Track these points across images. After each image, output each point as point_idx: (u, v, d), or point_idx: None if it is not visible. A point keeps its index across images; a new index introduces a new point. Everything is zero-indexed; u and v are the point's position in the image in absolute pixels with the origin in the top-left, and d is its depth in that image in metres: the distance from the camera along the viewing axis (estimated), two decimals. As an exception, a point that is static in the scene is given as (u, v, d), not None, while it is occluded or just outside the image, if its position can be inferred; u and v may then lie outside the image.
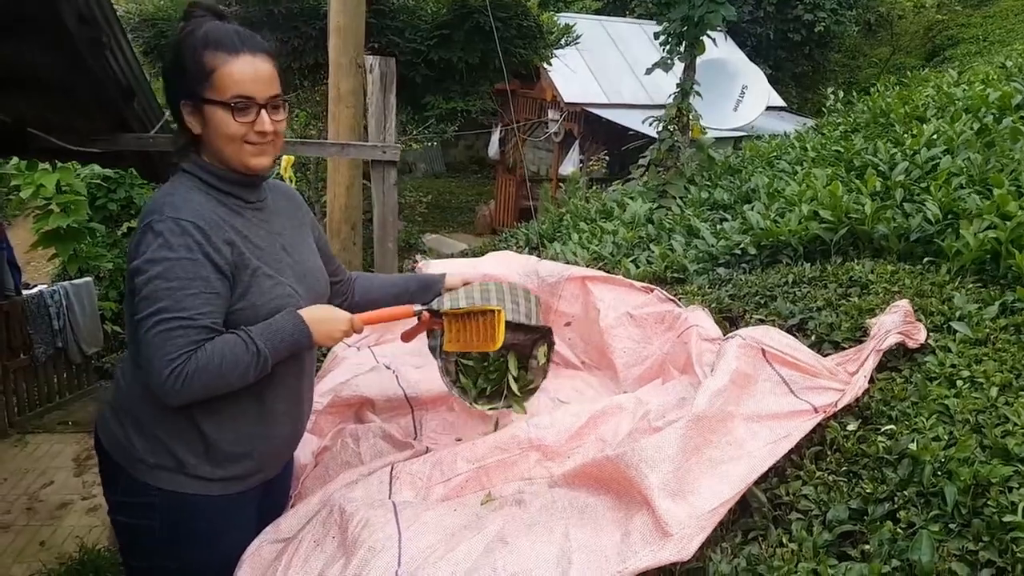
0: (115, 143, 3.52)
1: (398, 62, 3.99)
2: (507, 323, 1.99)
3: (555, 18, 8.85)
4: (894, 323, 2.06)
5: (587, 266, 3.47)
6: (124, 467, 1.67)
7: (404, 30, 7.82)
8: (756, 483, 1.67)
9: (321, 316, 1.69)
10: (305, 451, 2.29)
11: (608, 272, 3.39)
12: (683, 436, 1.65)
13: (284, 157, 2.30)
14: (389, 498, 1.86)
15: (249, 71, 1.56)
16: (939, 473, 1.56)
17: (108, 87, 3.18)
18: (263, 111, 1.59)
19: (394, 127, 3.37)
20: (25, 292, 6.74)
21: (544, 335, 2.27)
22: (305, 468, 2.29)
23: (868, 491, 1.59)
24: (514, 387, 2.23)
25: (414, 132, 9.89)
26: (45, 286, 7.00)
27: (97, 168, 7.82)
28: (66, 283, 7.11)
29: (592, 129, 14.04)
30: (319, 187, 9.22)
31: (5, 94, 3.29)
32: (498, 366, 2.28)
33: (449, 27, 7.78)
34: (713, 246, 3.43)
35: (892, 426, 1.75)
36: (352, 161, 4.88)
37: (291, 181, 2.37)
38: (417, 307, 2.02)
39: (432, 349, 2.25)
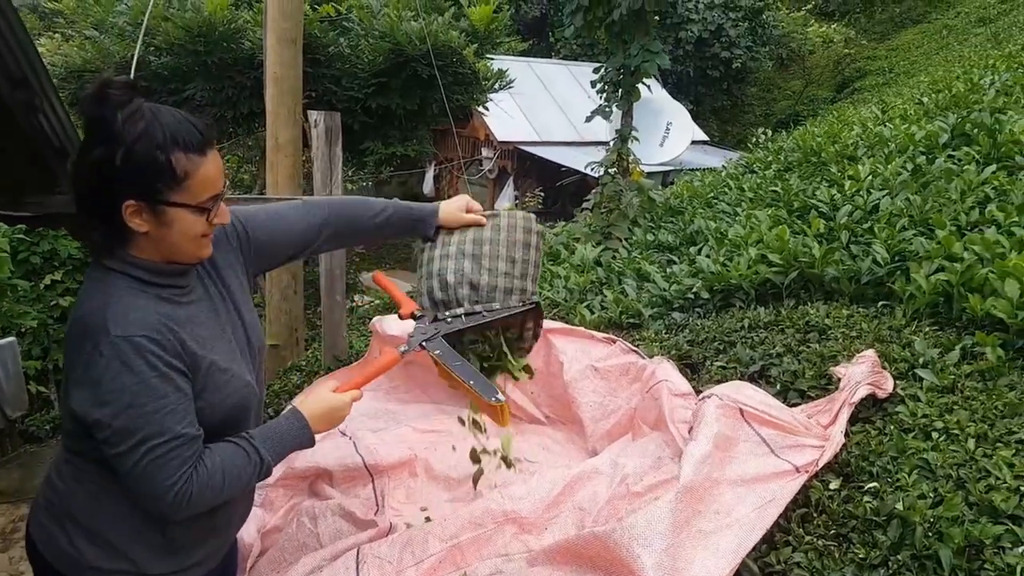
0: (48, 206, 3.30)
1: (335, 109, 3.91)
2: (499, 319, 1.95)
3: (489, 64, 8.93)
4: (863, 374, 2.06)
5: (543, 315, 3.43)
6: None
7: (341, 78, 7.75)
8: (747, 552, 1.63)
9: (322, 411, 1.62)
10: (249, 529, 2.14)
11: (564, 319, 3.35)
12: (674, 510, 1.59)
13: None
14: (360, 588, 1.74)
15: (217, 168, 1.45)
16: (930, 534, 1.55)
17: (40, 148, 2.99)
18: (220, 202, 1.48)
19: (340, 180, 3.28)
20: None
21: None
22: (251, 548, 2.14)
23: (861, 556, 1.56)
24: (510, 358, 2.11)
25: (350, 174, 9.77)
26: (-38, 347, 6.54)
27: (22, 226, 7.43)
28: (-13, 343, 6.66)
29: (525, 166, 14.18)
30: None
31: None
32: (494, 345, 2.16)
33: (386, 75, 7.75)
34: (665, 290, 3.43)
35: (875, 483, 1.74)
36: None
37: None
38: (403, 347, 1.84)
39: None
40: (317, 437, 1.66)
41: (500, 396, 1.80)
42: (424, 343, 1.89)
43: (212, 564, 1.66)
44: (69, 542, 1.50)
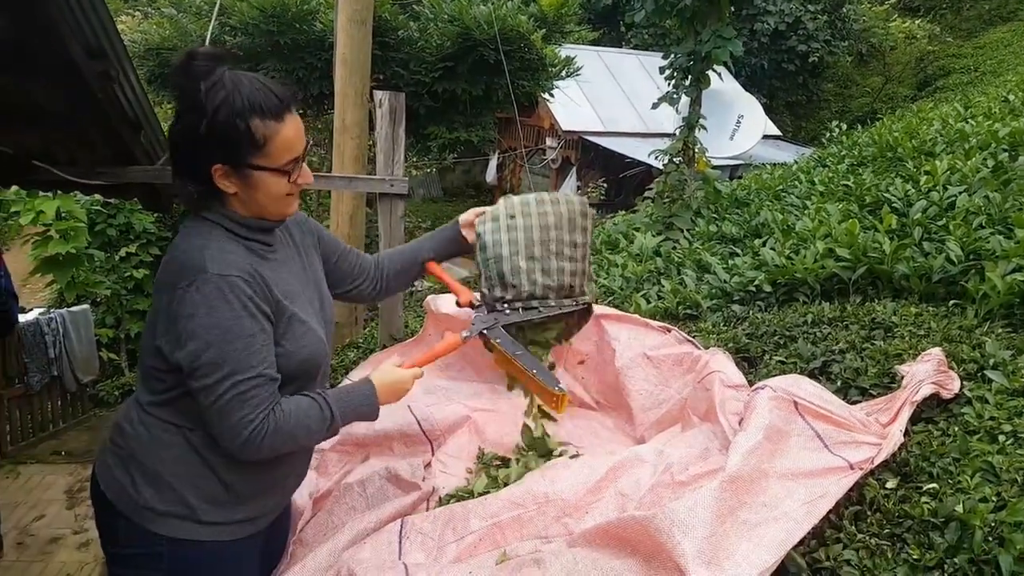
0: (121, 175, 3.44)
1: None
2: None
3: (556, 51, 8.87)
4: (927, 372, 1.98)
5: (596, 301, 3.39)
6: (128, 516, 1.58)
7: (409, 62, 7.82)
8: (794, 546, 1.57)
9: (391, 381, 1.72)
10: (302, 493, 2.18)
11: (619, 308, 3.31)
12: (717, 498, 1.55)
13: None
14: (399, 559, 1.75)
15: (297, 131, 1.55)
16: (990, 539, 1.47)
17: (115, 120, 3.11)
18: (303, 163, 1.59)
19: (403, 160, 3.30)
20: (21, 319, 6.61)
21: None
22: (302, 512, 2.18)
23: (915, 557, 1.50)
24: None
25: (415, 160, 9.86)
26: (41, 311, 6.87)
27: (98, 195, 7.76)
28: (63, 310, 6.96)
29: (589, 157, 14.07)
30: (320, 212, 9.16)
31: (10, 126, 3.22)
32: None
33: (453, 59, 7.79)
34: (726, 282, 3.35)
35: (934, 484, 1.66)
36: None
37: None
38: (464, 333, 1.92)
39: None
40: None
41: (562, 386, 1.86)
42: (485, 331, 1.96)
43: (264, 523, 1.71)
44: (131, 482, 1.58)
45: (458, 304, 2.09)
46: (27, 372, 6.46)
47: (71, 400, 7.15)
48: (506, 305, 2.01)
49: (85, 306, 7.35)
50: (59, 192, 6.79)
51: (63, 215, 7.20)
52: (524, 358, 1.92)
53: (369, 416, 1.70)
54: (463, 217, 2.10)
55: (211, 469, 1.58)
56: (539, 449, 2.30)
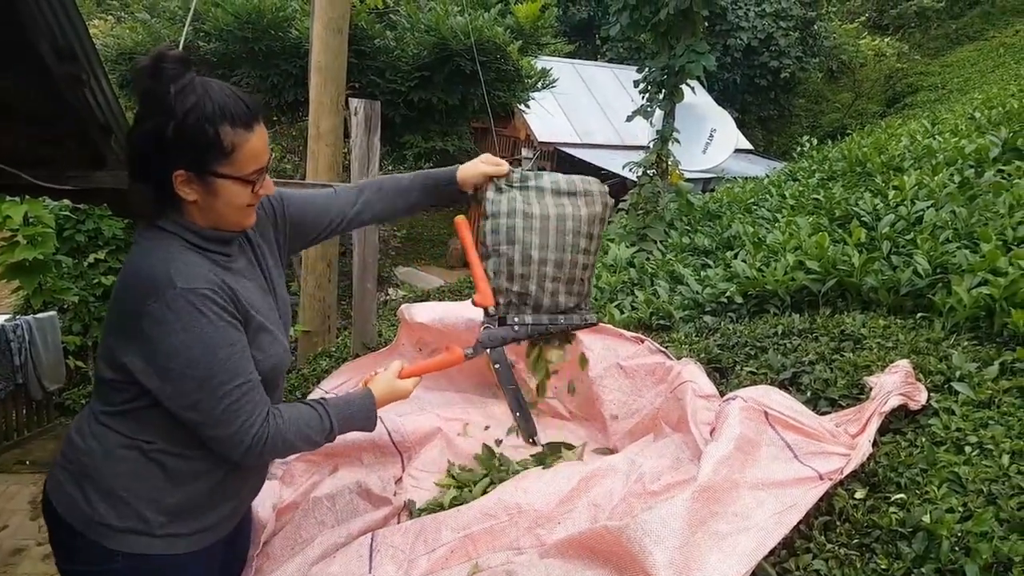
0: (90, 180, 3.38)
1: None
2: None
3: (532, 62, 8.92)
4: (895, 384, 2.00)
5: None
6: (82, 533, 1.54)
7: (385, 71, 7.81)
8: (764, 556, 1.58)
9: (391, 392, 1.73)
10: (265, 505, 2.14)
11: (592, 319, 3.32)
12: (689, 509, 1.55)
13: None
14: (369, 573, 1.73)
15: (263, 142, 1.51)
16: (957, 549, 1.49)
17: (85, 123, 3.05)
18: (266, 174, 1.56)
19: (377, 169, 3.29)
20: (-15, 325, 6.48)
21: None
22: (265, 523, 2.14)
23: (883, 567, 1.51)
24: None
25: (390, 168, 9.84)
26: (6, 318, 6.72)
27: (67, 201, 7.62)
28: (29, 317, 6.81)
29: (564, 168, 14.13)
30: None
31: (-27, 129, 3.15)
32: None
33: (430, 69, 7.79)
34: (698, 293, 3.38)
35: (902, 495, 1.68)
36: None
37: None
38: (469, 350, 1.84)
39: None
40: None
41: (536, 438, 1.81)
42: (489, 351, 1.92)
43: (223, 532, 1.67)
44: (84, 499, 1.53)
45: (473, 302, 1.94)
46: (-9, 380, 6.32)
47: (36, 408, 7.01)
48: (516, 320, 1.90)
49: (52, 313, 7.21)
50: (27, 197, 6.66)
51: (30, 220, 7.04)
52: (512, 396, 1.89)
53: (366, 427, 1.69)
54: (464, 176, 1.89)
55: (170, 481, 1.54)
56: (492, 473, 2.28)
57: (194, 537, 1.59)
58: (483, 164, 1.89)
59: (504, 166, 1.89)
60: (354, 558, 1.79)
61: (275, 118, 8.44)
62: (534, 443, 1.79)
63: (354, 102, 3.34)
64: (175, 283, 1.42)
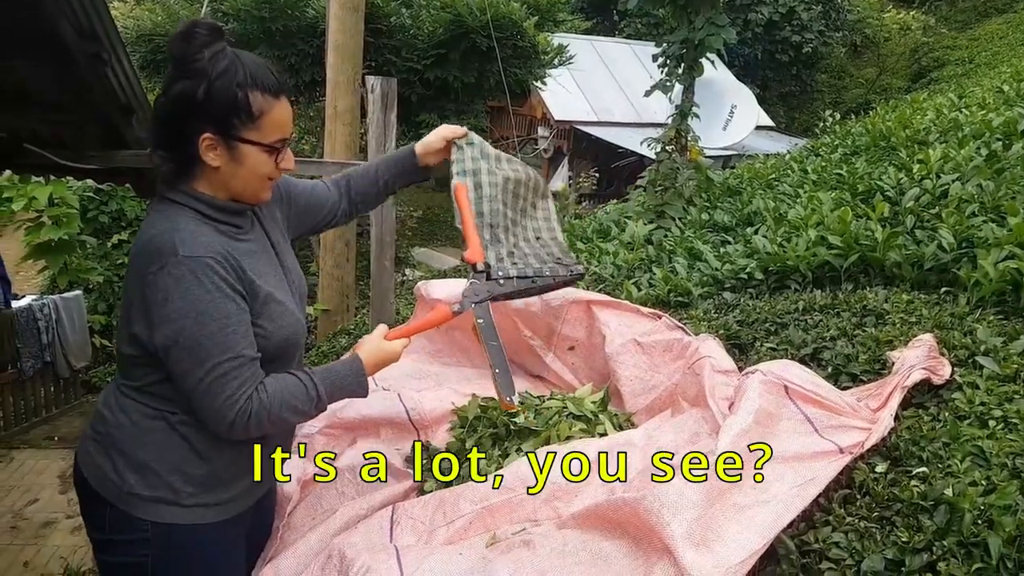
0: (111, 160, 3.42)
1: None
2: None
3: (549, 39, 8.83)
4: (918, 358, 1.98)
5: (588, 288, 3.38)
6: (112, 503, 1.57)
7: (401, 49, 7.79)
8: (783, 529, 1.57)
9: (380, 355, 1.72)
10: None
11: (610, 295, 3.30)
12: (707, 480, 1.55)
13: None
14: (391, 542, 1.75)
15: (288, 114, 1.56)
16: (979, 522, 1.47)
17: (106, 103, 3.08)
18: (287, 148, 1.60)
19: (394, 147, 3.28)
20: (14, 304, 6.59)
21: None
22: (290, 496, 2.17)
23: (904, 540, 1.50)
24: None
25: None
26: (34, 298, 6.84)
27: (90, 181, 7.72)
28: (55, 296, 6.94)
29: (581, 146, 14.06)
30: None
31: (0, 108, 3.18)
32: None
33: (446, 47, 7.77)
34: (717, 270, 3.35)
35: (924, 468, 1.66)
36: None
37: None
38: (456, 306, 1.89)
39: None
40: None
41: (515, 398, 1.82)
42: (475, 304, 1.93)
43: (248, 502, 1.70)
44: (114, 469, 1.57)
45: (462, 258, 2.06)
46: (20, 358, 6.47)
47: (64, 386, 7.15)
48: (501, 274, 2.00)
49: (78, 292, 7.34)
50: (51, 178, 6.77)
51: (55, 201, 7.16)
52: (494, 352, 1.87)
53: (358, 393, 1.68)
54: (423, 148, 2.05)
55: (195, 452, 1.57)
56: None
57: (221, 507, 1.62)
58: (441, 129, 2.07)
59: (461, 128, 2.08)
60: (375, 528, 1.81)
61: (293, 99, 8.46)
62: (511, 402, 1.80)
63: (370, 79, 3.33)
64: (178, 251, 1.44)
